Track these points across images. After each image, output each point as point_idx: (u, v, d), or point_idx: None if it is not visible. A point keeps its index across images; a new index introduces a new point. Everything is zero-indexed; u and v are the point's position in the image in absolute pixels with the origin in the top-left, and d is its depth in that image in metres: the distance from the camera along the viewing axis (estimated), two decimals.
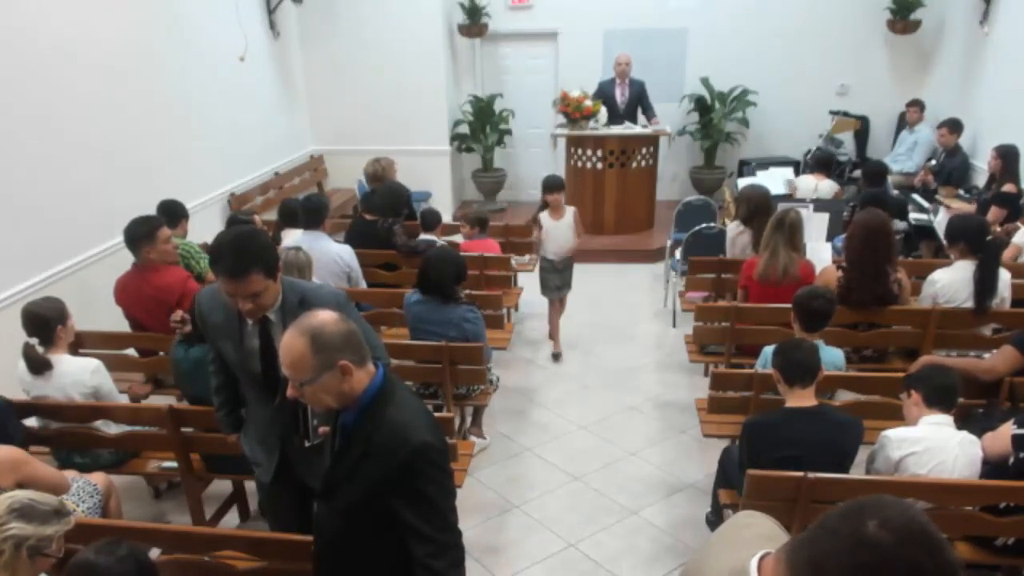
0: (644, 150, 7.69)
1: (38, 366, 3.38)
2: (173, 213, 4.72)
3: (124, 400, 3.84)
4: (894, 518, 0.97)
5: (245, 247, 2.26)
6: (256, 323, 2.43)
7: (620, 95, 7.79)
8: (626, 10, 8.50)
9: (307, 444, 2.42)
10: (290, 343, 1.82)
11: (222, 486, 3.90)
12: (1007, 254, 4.89)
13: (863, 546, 0.96)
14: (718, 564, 1.25)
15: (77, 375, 3.42)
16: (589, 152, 7.65)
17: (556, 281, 5.55)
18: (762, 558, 1.15)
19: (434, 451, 1.85)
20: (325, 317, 1.86)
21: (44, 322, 3.39)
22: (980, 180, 6.58)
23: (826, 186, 6.26)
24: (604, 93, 7.73)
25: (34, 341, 3.41)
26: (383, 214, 5.22)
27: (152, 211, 4.31)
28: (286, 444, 2.55)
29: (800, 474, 2.67)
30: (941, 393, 2.86)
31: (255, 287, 2.26)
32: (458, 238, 5.79)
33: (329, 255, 4.54)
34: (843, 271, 4.11)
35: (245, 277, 2.23)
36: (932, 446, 2.77)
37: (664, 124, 7.82)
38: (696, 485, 4.08)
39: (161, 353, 4.04)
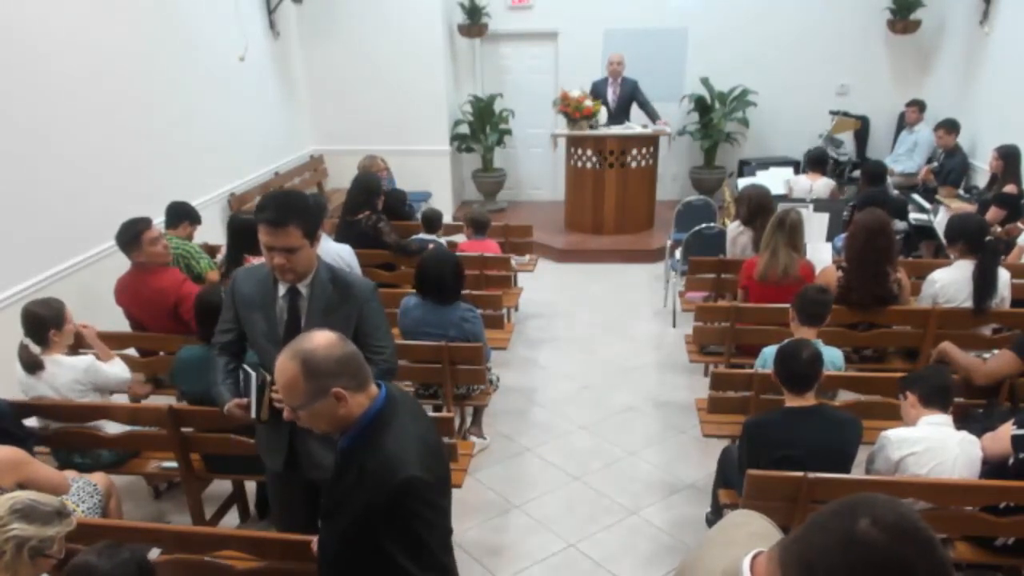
0: (644, 150, 7.69)
1: (30, 366, 3.40)
2: (175, 214, 4.74)
3: (125, 393, 3.86)
4: (885, 516, 0.97)
5: (289, 201, 2.40)
6: (285, 294, 2.49)
7: (612, 94, 7.82)
8: (626, 10, 8.50)
9: (261, 419, 2.43)
10: (282, 367, 1.78)
11: (222, 486, 3.90)
12: (1011, 257, 4.88)
13: (854, 544, 0.96)
14: (711, 563, 1.25)
15: (70, 374, 3.43)
16: (589, 152, 7.66)
17: None
18: (755, 557, 1.15)
19: (423, 487, 1.76)
20: (320, 340, 1.79)
21: (39, 323, 3.42)
22: (980, 180, 6.59)
23: (821, 185, 6.28)
24: (597, 92, 7.74)
25: (28, 341, 3.43)
26: (356, 210, 5.19)
27: (151, 211, 4.30)
28: (295, 426, 2.54)
29: (800, 474, 2.67)
30: (937, 393, 2.87)
31: (292, 240, 2.35)
32: (459, 238, 5.79)
33: (329, 254, 4.53)
34: (843, 271, 4.11)
35: (284, 227, 2.33)
36: (932, 446, 2.77)
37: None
38: (696, 485, 4.08)
39: (161, 353, 4.06)
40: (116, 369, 3.63)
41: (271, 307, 2.51)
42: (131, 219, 4.06)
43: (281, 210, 2.35)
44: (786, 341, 3.11)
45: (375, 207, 5.23)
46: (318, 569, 2.13)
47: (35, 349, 3.44)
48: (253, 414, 2.44)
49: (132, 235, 4.00)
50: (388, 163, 6.76)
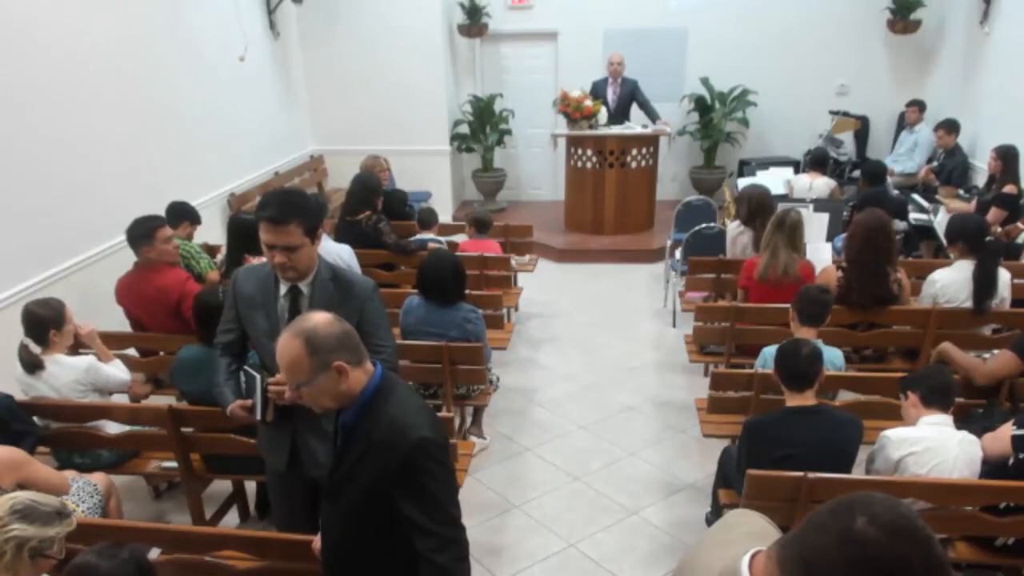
0: (644, 150, 7.69)
1: (30, 366, 3.40)
2: (175, 214, 4.74)
3: (125, 393, 3.86)
4: (882, 514, 0.97)
5: (291, 199, 2.41)
6: (287, 293, 2.49)
7: (612, 94, 7.84)
8: (626, 10, 8.50)
9: (266, 421, 2.44)
10: (285, 345, 1.84)
11: (222, 486, 3.90)
12: None
13: (852, 542, 0.96)
14: (710, 562, 1.25)
15: (71, 374, 3.44)
16: (589, 152, 7.66)
17: None
18: (753, 556, 1.15)
19: (433, 446, 1.86)
20: (319, 319, 1.87)
21: (39, 323, 3.42)
22: (980, 180, 6.59)
23: (821, 184, 6.29)
24: (597, 92, 7.75)
25: (28, 341, 3.43)
26: (356, 210, 5.18)
27: (151, 210, 4.31)
28: (297, 426, 2.55)
29: (800, 474, 2.67)
30: (938, 392, 2.87)
31: (292, 239, 2.36)
32: (460, 238, 5.79)
33: (329, 254, 4.53)
34: (843, 271, 4.11)
35: (285, 225, 2.34)
36: (932, 446, 2.77)
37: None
38: (695, 485, 4.08)
39: (161, 353, 4.06)
40: (116, 371, 3.63)
41: (272, 306, 2.51)
42: (145, 215, 4.07)
43: (282, 208, 2.35)
44: (784, 341, 3.13)
45: (375, 207, 5.23)
46: (321, 559, 2.14)
47: (35, 349, 3.44)
48: (258, 416, 2.45)
49: (147, 230, 3.99)
50: (389, 163, 6.75)
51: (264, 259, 2.52)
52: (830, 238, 5.21)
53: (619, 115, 7.83)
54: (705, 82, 8.58)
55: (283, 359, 1.85)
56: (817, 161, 6.54)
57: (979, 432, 2.91)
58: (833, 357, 3.56)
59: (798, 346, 2.96)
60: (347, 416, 1.92)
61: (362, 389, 1.89)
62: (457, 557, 1.90)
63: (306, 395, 1.87)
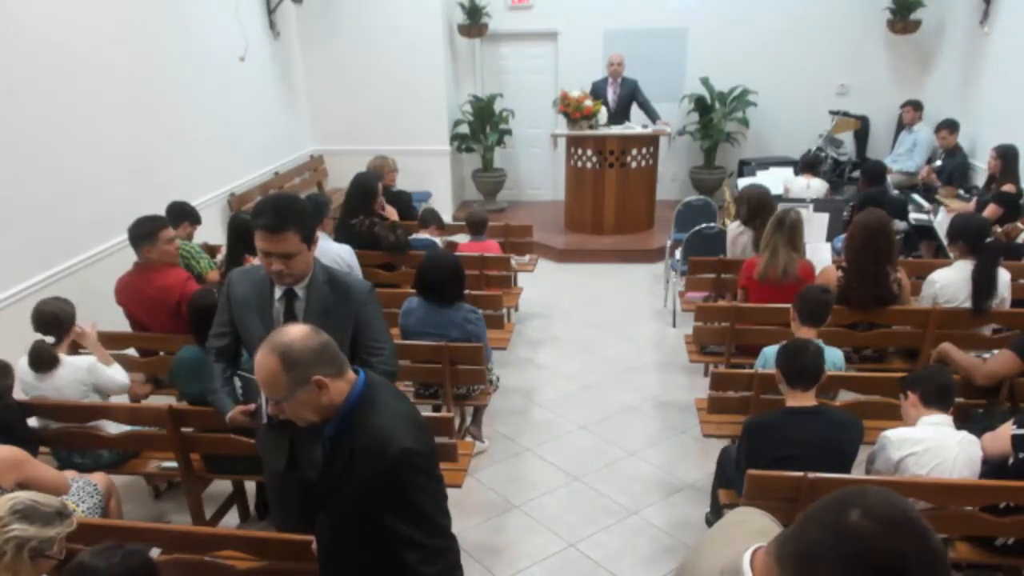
0: (644, 150, 7.69)
1: (45, 362, 3.39)
2: (175, 214, 4.74)
3: (125, 394, 3.85)
4: (876, 507, 0.97)
5: (286, 206, 2.36)
6: (282, 297, 2.48)
7: (612, 94, 7.85)
8: (626, 10, 8.51)
9: (271, 424, 2.43)
10: (261, 362, 1.81)
11: (222, 486, 3.90)
12: None
13: (845, 536, 0.96)
14: (712, 561, 1.25)
15: (75, 374, 3.45)
16: (589, 152, 7.66)
17: None
18: (754, 552, 1.15)
19: (417, 456, 1.82)
20: (295, 333, 1.83)
21: (57, 322, 3.44)
22: (980, 180, 6.59)
23: (817, 184, 6.37)
24: (597, 92, 7.75)
25: (50, 339, 3.45)
26: (352, 212, 5.17)
27: (151, 211, 4.31)
28: (296, 429, 2.54)
29: (800, 474, 2.68)
30: (938, 393, 2.87)
31: (289, 246, 2.33)
32: (460, 238, 5.79)
33: (329, 255, 4.51)
34: (843, 271, 4.11)
35: (281, 233, 2.31)
36: (932, 446, 2.77)
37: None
38: (696, 485, 4.08)
39: (161, 353, 4.06)
40: (116, 374, 3.63)
41: (268, 309, 2.49)
42: (149, 215, 4.07)
43: (278, 216, 2.32)
44: (787, 341, 3.13)
45: (370, 209, 5.21)
46: (319, 566, 2.14)
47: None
48: (264, 419, 2.43)
49: (150, 230, 3.99)
50: (396, 164, 6.69)
51: None
52: (830, 238, 5.22)
53: (619, 115, 7.84)
54: (705, 82, 8.58)
55: (260, 375, 1.82)
56: (809, 165, 6.59)
57: (979, 432, 2.91)
58: (833, 357, 3.56)
59: (803, 344, 2.99)
60: (331, 428, 1.89)
61: (345, 398, 1.86)
62: (446, 568, 1.87)
63: (287, 410, 1.84)
